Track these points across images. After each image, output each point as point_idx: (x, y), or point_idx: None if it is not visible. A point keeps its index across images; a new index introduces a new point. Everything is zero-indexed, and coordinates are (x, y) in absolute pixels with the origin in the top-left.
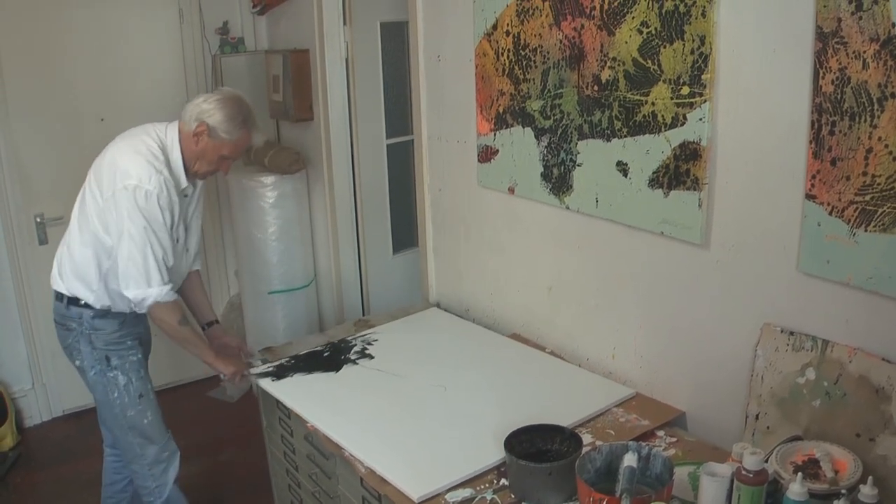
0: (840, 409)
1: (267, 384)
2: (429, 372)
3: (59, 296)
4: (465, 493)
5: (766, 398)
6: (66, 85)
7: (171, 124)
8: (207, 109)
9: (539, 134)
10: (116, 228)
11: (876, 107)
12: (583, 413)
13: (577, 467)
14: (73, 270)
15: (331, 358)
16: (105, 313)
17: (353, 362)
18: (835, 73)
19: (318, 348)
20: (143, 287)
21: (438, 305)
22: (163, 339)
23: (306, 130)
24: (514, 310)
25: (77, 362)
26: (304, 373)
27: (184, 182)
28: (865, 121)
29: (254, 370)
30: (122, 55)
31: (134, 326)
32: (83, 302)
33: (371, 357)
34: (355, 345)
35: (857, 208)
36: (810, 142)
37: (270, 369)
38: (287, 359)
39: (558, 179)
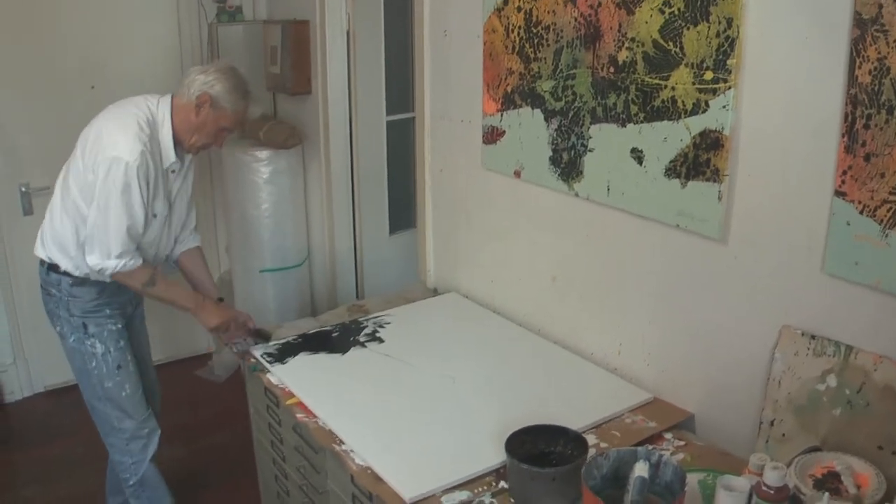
0: (862, 420)
1: (268, 363)
2: (439, 361)
3: (41, 261)
4: (462, 495)
5: (782, 404)
6: (55, 51)
7: (163, 98)
8: (209, 80)
9: (549, 116)
10: (91, 193)
11: None
12: (595, 417)
13: (583, 474)
14: (53, 238)
15: (339, 338)
16: (83, 281)
17: (362, 345)
18: (873, 62)
19: (328, 328)
20: (104, 257)
21: (436, 290)
22: (150, 317)
23: (304, 104)
24: (515, 299)
25: (58, 328)
26: (311, 352)
27: (171, 158)
28: None
29: (256, 348)
30: (115, 21)
31: (114, 296)
32: (62, 269)
33: (381, 341)
34: (366, 326)
35: (890, 208)
36: (843, 135)
37: (275, 348)
38: (294, 336)
39: (568, 164)
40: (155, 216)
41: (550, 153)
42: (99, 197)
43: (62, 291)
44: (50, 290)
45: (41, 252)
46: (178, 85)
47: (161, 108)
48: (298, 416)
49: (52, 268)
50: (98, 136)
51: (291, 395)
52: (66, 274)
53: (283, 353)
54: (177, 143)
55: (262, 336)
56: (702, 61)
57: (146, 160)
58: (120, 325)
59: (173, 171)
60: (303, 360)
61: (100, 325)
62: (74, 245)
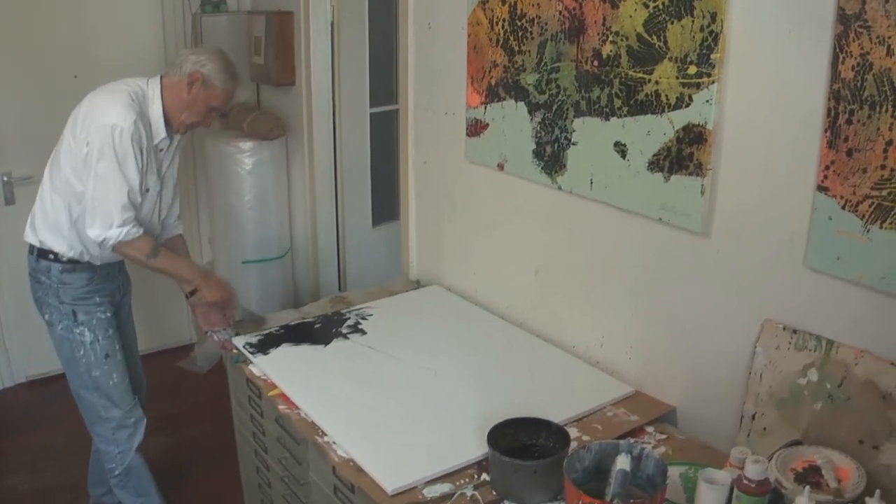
0: (843, 414)
1: (250, 354)
2: (421, 353)
3: (30, 248)
4: (444, 487)
5: (764, 398)
6: (39, 39)
7: (152, 78)
8: (201, 60)
9: (533, 109)
10: (86, 166)
11: None
12: (577, 409)
13: (565, 467)
14: (45, 220)
15: (322, 330)
16: (73, 268)
17: (345, 337)
18: (856, 58)
19: (310, 319)
20: (106, 228)
21: (419, 283)
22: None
23: (287, 95)
24: (498, 291)
25: (46, 316)
26: (293, 344)
27: (162, 133)
28: (887, 111)
29: (238, 338)
30: (99, 10)
31: (104, 283)
32: (52, 255)
33: (363, 333)
34: (349, 318)
35: (872, 203)
36: (825, 130)
37: (257, 339)
38: (277, 328)
39: (551, 157)
40: (147, 191)
41: (534, 146)
42: (96, 165)
43: (52, 278)
44: (39, 277)
45: (31, 238)
46: (167, 66)
47: (151, 86)
48: (280, 407)
49: (42, 254)
50: (90, 109)
51: (274, 387)
52: (56, 260)
53: (266, 344)
54: (167, 122)
55: (255, 320)
56: (686, 55)
57: (139, 128)
58: (109, 314)
59: (161, 150)
60: (285, 352)
61: (89, 313)
62: (68, 224)
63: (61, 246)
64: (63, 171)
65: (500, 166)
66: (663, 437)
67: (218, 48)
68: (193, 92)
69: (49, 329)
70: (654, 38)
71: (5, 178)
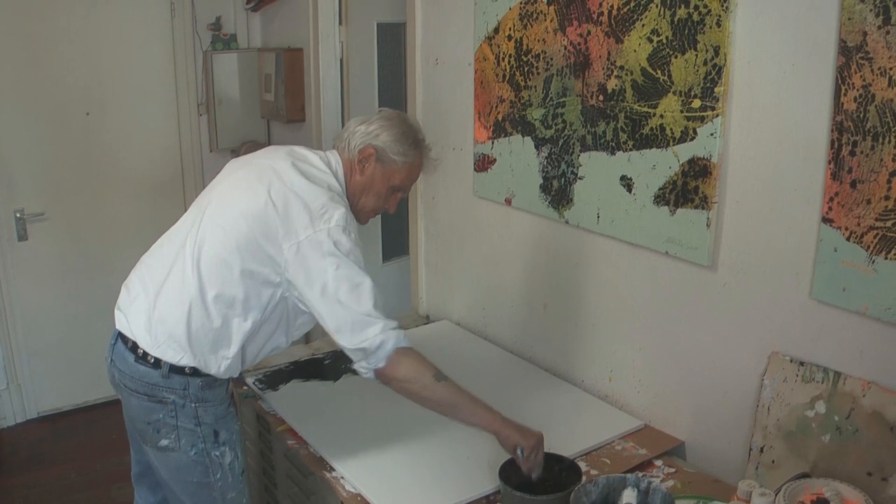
0: (851, 446)
1: (259, 390)
2: None
3: (152, 360)
4: None
5: (771, 431)
6: (52, 77)
7: (330, 152)
8: (372, 130)
9: (539, 144)
10: (307, 276)
11: None
12: (586, 444)
13: (571, 500)
14: (193, 338)
15: (331, 366)
16: (215, 380)
17: (354, 372)
18: (858, 89)
19: (319, 355)
20: (370, 332)
21: (428, 318)
22: None
23: (298, 132)
24: (507, 325)
25: (165, 441)
26: (302, 379)
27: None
28: (889, 141)
29: (248, 374)
30: (111, 48)
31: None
32: (189, 369)
33: None
34: None
35: (877, 234)
36: (829, 162)
37: (264, 375)
38: (286, 363)
39: (558, 192)
40: None
41: (541, 181)
42: (329, 275)
43: (189, 396)
44: (164, 396)
45: (167, 355)
46: (335, 140)
47: (332, 159)
48: (290, 442)
49: (177, 369)
50: (286, 209)
51: (282, 422)
52: (195, 374)
53: (275, 380)
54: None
55: None
56: (689, 89)
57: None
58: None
59: None
60: (294, 387)
61: (230, 430)
62: (240, 340)
63: (221, 367)
64: (241, 279)
65: (508, 201)
66: (672, 470)
67: (393, 112)
68: (368, 171)
69: (162, 454)
70: (659, 72)
71: (18, 215)
